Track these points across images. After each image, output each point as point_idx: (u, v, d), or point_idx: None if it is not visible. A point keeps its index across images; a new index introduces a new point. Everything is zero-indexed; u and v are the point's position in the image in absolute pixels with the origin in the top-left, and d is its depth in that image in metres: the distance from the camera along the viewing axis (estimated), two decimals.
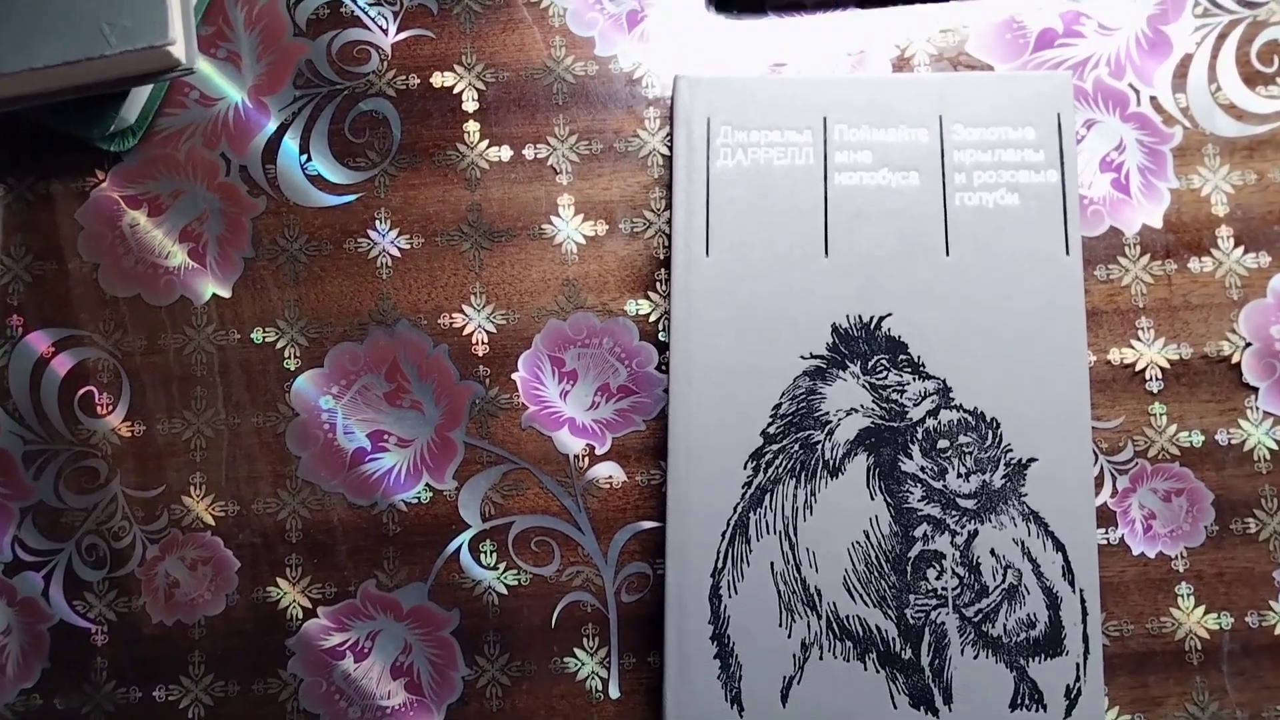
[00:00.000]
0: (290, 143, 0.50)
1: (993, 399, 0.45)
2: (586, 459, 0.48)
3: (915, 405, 0.45)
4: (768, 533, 0.44)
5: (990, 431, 0.44)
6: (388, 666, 0.47)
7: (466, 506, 0.48)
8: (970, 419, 0.44)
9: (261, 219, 0.50)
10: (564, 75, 0.51)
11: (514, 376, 0.49)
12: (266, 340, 0.49)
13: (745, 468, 0.44)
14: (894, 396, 0.45)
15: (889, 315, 0.45)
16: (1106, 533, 0.47)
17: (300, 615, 0.47)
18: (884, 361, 0.45)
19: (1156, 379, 0.48)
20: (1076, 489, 0.44)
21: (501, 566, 0.47)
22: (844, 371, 0.45)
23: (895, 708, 0.43)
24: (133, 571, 0.48)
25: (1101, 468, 0.47)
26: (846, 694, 0.43)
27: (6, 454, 0.48)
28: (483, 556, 0.47)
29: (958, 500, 0.44)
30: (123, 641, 0.47)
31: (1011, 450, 0.44)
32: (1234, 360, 0.48)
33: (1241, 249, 0.49)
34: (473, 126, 0.51)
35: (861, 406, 0.45)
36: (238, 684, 0.47)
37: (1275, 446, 0.48)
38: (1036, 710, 0.42)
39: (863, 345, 0.45)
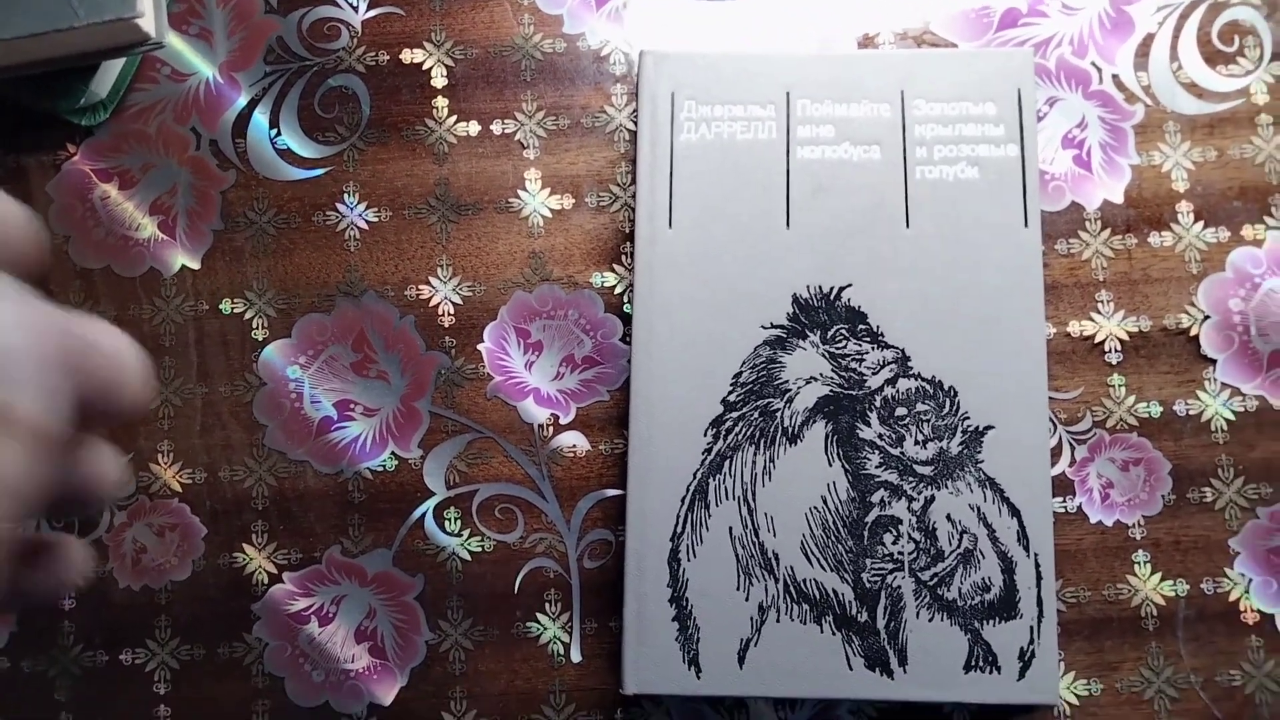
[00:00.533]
0: (260, 117, 0.51)
1: (951, 368, 0.45)
2: (551, 428, 0.49)
3: (874, 374, 0.45)
4: (727, 498, 0.44)
5: (948, 399, 0.45)
6: (352, 631, 0.47)
7: (431, 475, 0.48)
8: (928, 387, 0.45)
9: (231, 192, 0.51)
10: (532, 52, 0.52)
11: (480, 347, 0.49)
12: (235, 311, 0.50)
13: (706, 435, 0.45)
14: (853, 365, 0.45)
15: (849, 286, 0.46)
16: (1065, 501, 0.48)
17: (266, 581, 0.48)
18: (843, 331, 0.45)
19: (1116, 351, 0.49)
20: (1032, 455, 0.44)
21: (465, 533, 0.48)
22: (804, 341, 0.45)
23: (851, 669, 0.43)
24: (100, 537, 0.48)
25: (1060, 438, 0.48)
26: (803, 655, 0.43)
27: None
28: (447, 523, 0.48)
29: (915, 467, 0.44)
30: (90, 606, 0.48)
31: (969, 418, 0.45)
32: (1192, 333, 0.49)
33: (1201, 224, 0.50)
34: (441, 102, 0.51)
35: (821, 375, 0.45)
36: (203, 648, 0.48)
37: (1232, 417, 0.48)
38: (990, 672, 0.43)
39: (823, 315, 0.46)
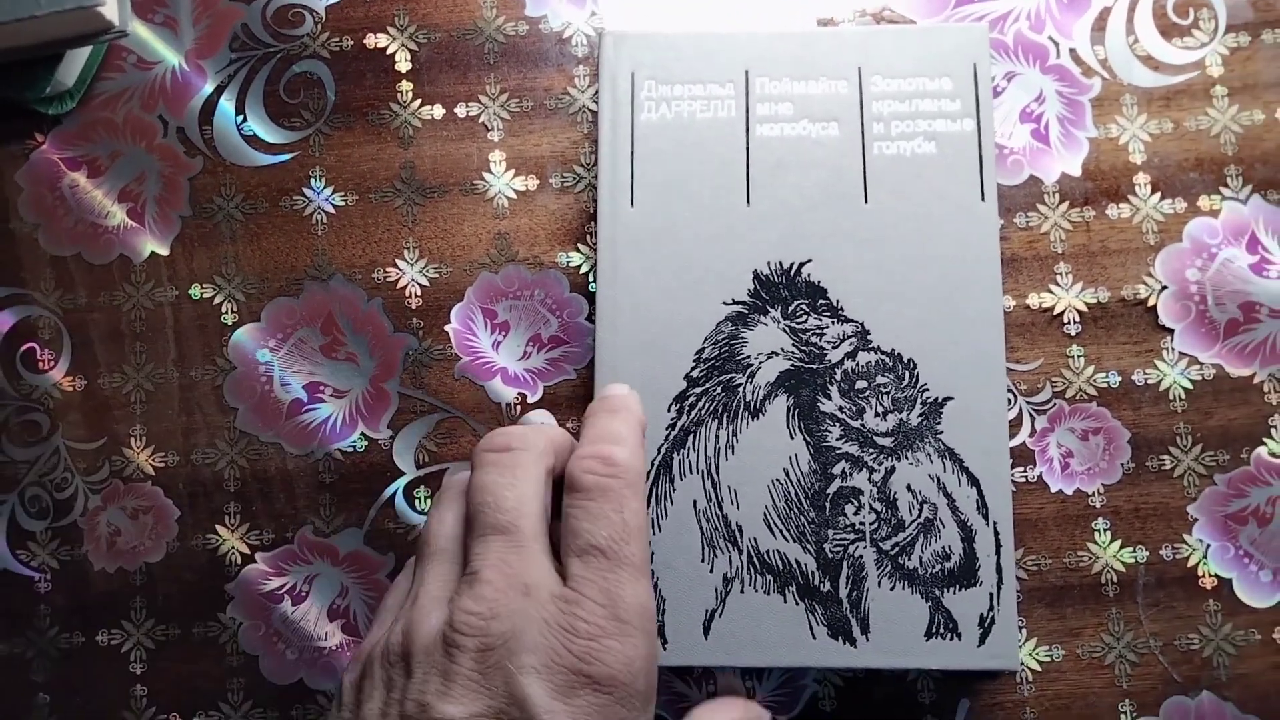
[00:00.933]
0: (226, 104, 0.52)
1: (910, 340, 0.46)
2: (519, 407, 0.49)
3: (834, 348, 0.46)
4: (691, 472, 0.45)
5: (907, 372, 0.45)
6: (325, 609, 0.48)
7: (401, 454, 0.49)
8: (888, 360, 0.46)
9: (199, 179, 0.51)
10: (495, 35, 0.52)
11: (447, 328, 0.50)
12: (204, 296, 0.50)
13: (669, 410, 0.45)
14: (813, 340, 0.46)
15: (809, 261, 0.46)
16: (1025, 471, 0.48)
17: (239, 561, 0.49)
18: (804, 306, 0.46)
19: (1074, 322, 0.49)
20: (991, 426, 0.45)
21: None
22: (765, 316, 0.46)
23: (814, 638, 0.44)
24: (75, 521, 0.49)
25: (1020, 408, 0.49)
26: (767, 626, 0.44)
27: None
28: (417, 502, 0.49)
29: (875, 438, 0.45)
30: (66, 588, 0.49)
31: (928, 390, 0.45)
32: (1150, 303, 0.49)
33: (1158, 195, 0.50)
34: (406, 86, 0.52)
35: (782, 350, 0.46)
36: (178, 628, 0.48)
37: (1190, 386, 0.49)
38: (951, 639, 0.43)
39: (783, 291, 0.46)
